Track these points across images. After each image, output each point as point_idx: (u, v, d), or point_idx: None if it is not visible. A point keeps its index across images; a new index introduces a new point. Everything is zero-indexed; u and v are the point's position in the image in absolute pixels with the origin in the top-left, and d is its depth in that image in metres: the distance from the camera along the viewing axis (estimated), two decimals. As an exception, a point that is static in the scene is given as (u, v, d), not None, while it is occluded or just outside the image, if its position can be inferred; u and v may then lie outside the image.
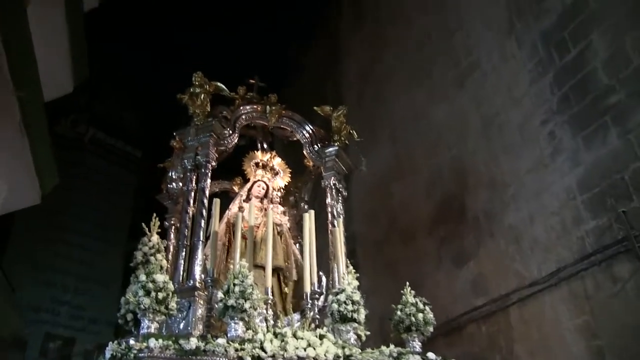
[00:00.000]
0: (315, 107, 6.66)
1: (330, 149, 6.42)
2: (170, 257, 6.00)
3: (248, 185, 6.82)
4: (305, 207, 7.04)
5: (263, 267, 5.86)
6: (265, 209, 6.50)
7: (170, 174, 6.49)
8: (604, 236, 5.94)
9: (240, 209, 6.22)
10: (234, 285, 4.73)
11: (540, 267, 6.67)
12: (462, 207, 8.19)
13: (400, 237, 9.47)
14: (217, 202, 5.76)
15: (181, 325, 4.92)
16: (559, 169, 6.65)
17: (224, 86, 6.36)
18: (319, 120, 6.78)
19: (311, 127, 6.65)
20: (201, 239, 5.45)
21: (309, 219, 5.92)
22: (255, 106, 6.54)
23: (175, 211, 6.47)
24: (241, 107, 6.46)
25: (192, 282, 5.20)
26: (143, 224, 5.58)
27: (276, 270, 6.19)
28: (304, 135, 6.64)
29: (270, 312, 5.35)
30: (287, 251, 6.42)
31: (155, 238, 5.52)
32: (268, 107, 6.55)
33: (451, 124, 8.82)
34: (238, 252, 5.43)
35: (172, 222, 6.48)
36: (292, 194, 7.22)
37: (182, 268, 5.41)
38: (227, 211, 6.46)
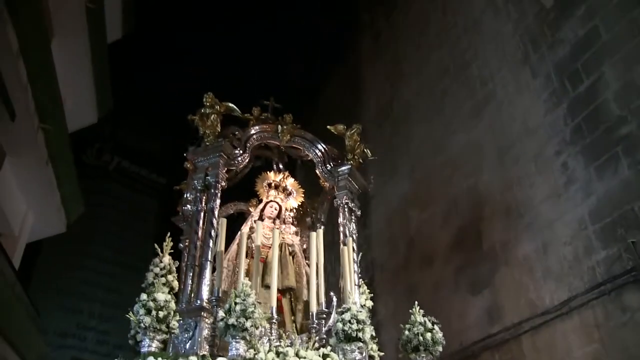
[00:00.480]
0: (328, 126, 6.68)
1: (343, 168, 6.34)
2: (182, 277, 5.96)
3: (261, 206, 6.82)
4: (322, 228, 6.88)
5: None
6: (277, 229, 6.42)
7: (185, 196, 6.52)
8: (614, 266, 5.98)
9: (251, 229, 6.21)
10: (235, 304, 4.71)
11: (553, 296, 6.71)
12: (479, 236, 8.25)
13: (419, 264, 9.54)
14: (223, 222, 5.76)
15: (187, 345, 4.90)
16: (572, 199, 6.72)
17: (235, 106, 6.38)
18: (336, 143, 6.75)
19: (323, 146, 6.61)
20: (209, 259, 5.41)
21: (316, 238, 5.91)
22: (266, 125, 6.54)
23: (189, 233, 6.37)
24: (252, 127, 6.47)
25: (199, 302, 5.17)
26: (156, 245, 5.62)
27: (287, 291, 6.23)
28: (316, 154, 6.60)
29: (274, 331, 5.30)
30: (299, 271, 6.41)
31: (166, 259, 5.54)
32: (280, 126, 6.55)
33: (467, 154, 8.92)
34: (242, 272, 5.44)
35: (187, 243, 6.40)
36: (309, 214, 7.15)
37: (189, 288, 5.39)
38: (239, 232, 6.35)
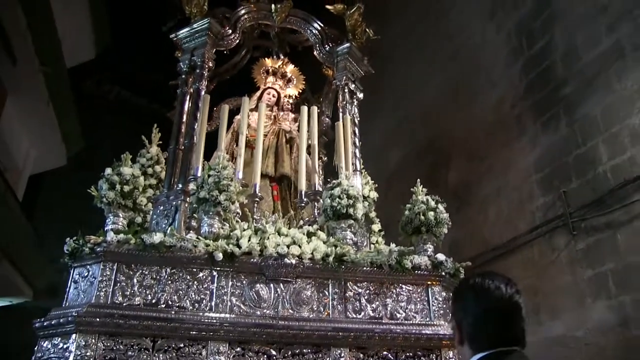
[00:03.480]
0: (327, 6, 6.21)
1: (342, 47, 5.95)
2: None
3: (258, 93, 6.48)
4: (327, 120, 6.65)
5: (269, 177, 5.74)
6: (275, 117, 6.29)
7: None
8: (549, 211, 6.84)
9: (248, 114, 5.65)
10: (209, 176, 4.35)
11: (502, 235, 7.57)
12: (446, 176, 9.04)
13: (394, 201, 10.26)
14: (206, 98, 5.36)
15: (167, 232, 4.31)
16: (522, 150, 7.48)
17: None
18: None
19: (320, 24, 6.16)
20: (194, 141, 5.03)
21: (308, 114, 5.60)
22: (259, 4, 6.12)
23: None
24: (244, 7, 6.02)
25: (180, 185, 4.73)
26: (143, 136, 5.39)
27: (283, 179, 5.96)
28: (313, 33, 6.17)
29: (257, 212, 4.94)
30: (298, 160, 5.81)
31: (154, 149, 5.30)
32: (274, 5, 6.08)
33: (443, 97, 9.62)
34: (242, 159, 5.08)
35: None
36: (313, 104, 6.44)
37: (175, 173, 4.95)
38: (234, 119, 6.14)
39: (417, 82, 10.47)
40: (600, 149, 6.20)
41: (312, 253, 4.28)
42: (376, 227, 5.71)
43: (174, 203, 4.61)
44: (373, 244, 5.24)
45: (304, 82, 6.75)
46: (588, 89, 6.48)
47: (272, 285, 4.21)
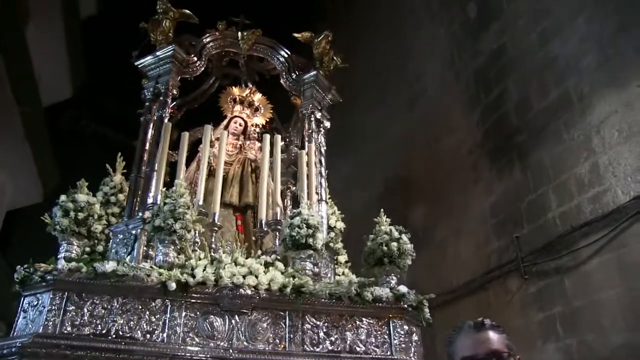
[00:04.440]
0: (295, 34, 6.13)
1: (309, 75, 5.84)
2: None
3: (225, 122, 6.35)
4: (295, 150, 6.40)
5: (233, 206, 5.62)
6: (241, 146, 6.18)
7: None
8: (503, 256, 7.07)
9: (212, 143, 5.58)
10: (165, 204, 4.27)
11: (459, 277, 7.78)
12: (406, 219, 9.26)
13: (354, 242, 10.54)
14: (167, 126, 5.21)
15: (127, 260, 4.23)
16: (478, 195, 7.74)
17: (191, 13, 5.77)
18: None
19: (287, 52, 6.09)
20: (155, 169, 4.93)
21: (271, 142, 5.49)
22: (225, 32, 6.05)
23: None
24: (209, 33, 5.94)
25: (140, 213, 4.63)
26: (107, 165, 5.39)
27: (247, 209, 5.82)
28: (280, 60, 6.09)
29: (214, 242, 4.78)
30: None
31: (118, 177, 5.29)
32: (240, 33, 6.00)
33: (402, 143, 9.88)
34: (202, 188, 5.00)
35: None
36: (283, 138, 6.36)
37: (136, 201, 4.87)
38: (199, 148, 5.87)
39: (378, 126, 10.72)
40: (550, 196, 6.46)
41: (269, 284, 4.16)
42: (342, 258, 5.72)
43: (133, 232, 4.52)
44: (339, 275, 5.17)
45: (271, 111, 6.66)
46: (539, 138, 6.76)
47: (226, 316, 4.08)
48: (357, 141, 11.38)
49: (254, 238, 5.57)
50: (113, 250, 4.55)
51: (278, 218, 5.10)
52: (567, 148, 6.31)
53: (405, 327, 4.37)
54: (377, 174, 10.45)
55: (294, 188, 6.35)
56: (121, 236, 4.58)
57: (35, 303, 3.93)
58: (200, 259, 4.26)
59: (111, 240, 4.68)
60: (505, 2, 7.79)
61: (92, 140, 17.86)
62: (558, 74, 6.58)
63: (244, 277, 4.12)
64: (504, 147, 7.38)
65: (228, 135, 5.95)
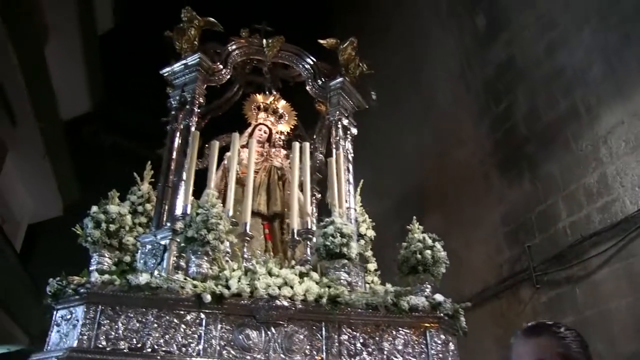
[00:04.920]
0: (320, 40, 6.05)
1: (335, 82, 5.77)
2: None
3: (249, 129, 6.30)
4: (321, 157, 6.36)
5: (261, 215, 5.54)
6: (266, 154, 6.12)
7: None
8: (516, 265, 7.19)
9: (238, 151, 5.53)
10: (197, 214, 4.18)
11: (472, 287, 7.87)
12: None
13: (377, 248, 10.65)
14: (196, 134, 5.17)
15: (155, 272, 4.16)
16: (489, 205, 7.87)
17: (216, 21, 5.72)
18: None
19: (312, 59, 6.02)
20: (183, 178, 4.84)
21: (300, 150, 5.37)
22: (250, 40, 6.00)
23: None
24: (234, 41, 5.90)
25: (169, 223, 4.54)
26: (135, 173, 5.31)
27: (275, 217, 5.74)
28: (305, 68, 6.03)
29: (246, 251, 4.73)
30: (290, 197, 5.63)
31: (145, 187, 5.17)
32: (265, 40, 5.96)
33: (416, 154, 10.02)
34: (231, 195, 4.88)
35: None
36: (306, 140, 6.09)
37: (161, 211, 4.79)
38: (224, 156, 5.87)
39: (392, 137, 10.81)
40: (560, 206, 6.59)
41: (304, 294, 4.08)
42: (372, 266, 5.58)
43: (162, 242, 4.42)
44: (368, 284, 5.03)
45: (295, 119, 6.59)
46: (548, 148, 6.89)
47: (262, 328, 4.01)
48: (369, 151, 11.46)
49: (283, 247, 5.50)
50: (141, 261, 4.44)
51: (309, 227, 4.96)
52: (576, 158, 6.44)
53: (442, 337, 4.30)
54: (391, 184, 10.53)
55: (319, 195, 6.34)
56: (149, 247, 4.48)
57: (68, 317, 3.88)
58: (234, 270, 4.20)
59: (139, 251, 4.56)
60: (513, 13, 7.91)
61: (111, 152, 18.15)
62: (565, 85, 6.71)
63: (279, 287, 4.05)
64: (514, 157, 7.51)
65: (254, 143, 5.82)
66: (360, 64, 6.06)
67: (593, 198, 6.11)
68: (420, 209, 9.41)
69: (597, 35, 6.30)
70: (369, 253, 5.63)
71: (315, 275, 4.32)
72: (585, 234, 6.10)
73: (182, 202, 4.70)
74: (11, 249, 9.73)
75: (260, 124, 6.32)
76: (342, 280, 4.34)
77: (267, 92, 6.56)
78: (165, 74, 5.53)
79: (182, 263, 4.31)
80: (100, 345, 3.69)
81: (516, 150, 7.48)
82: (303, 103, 6.62)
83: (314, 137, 6.57)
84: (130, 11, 14.35)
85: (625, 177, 5.74)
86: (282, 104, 6.54)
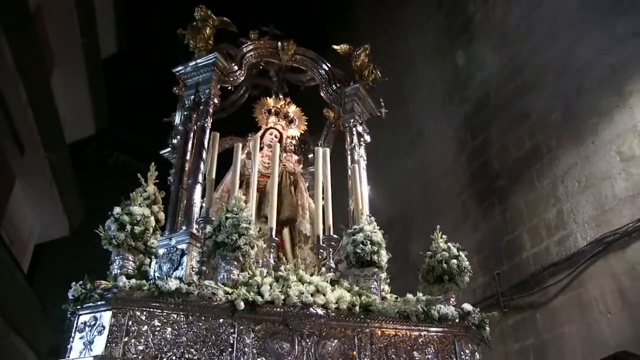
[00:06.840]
0: (334, 46, 6.10)
1: (350, 88, 5.73)
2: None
3: (260, 133, 6.13)
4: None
5: None
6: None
7: (175, 125, 5.88)
8: (487, 290, 7.79)
9: (248, 154, 5.53)
10: (226, 218, 4.04)
11: (449, 310, 8.42)
12: (407, 253, 9.96)
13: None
14: (215, 135, 5.03)
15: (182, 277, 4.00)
16: (466, 233, 8.44)
17: (230, 21, 5.59)
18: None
19: (328, 65, 5.95)
20: (199, 180, 4.66)
21: (322, 155, 5.28)
22: (265, 42, 5.91)
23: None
24: (249, 43, 5.78)
25: (185, 227, 4.34)
26: (139, 175, 4.85)
27: (286, 223, 5.62)
28: (320, 73, 5.95)
29: (272, 257, 4.57)
30: (301, 203, 5.73)
31: (151, 188, 4.71)
32: (280, 43, 5.89)
33: (403, 181, 10.58)
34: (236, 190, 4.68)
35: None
36: (313, 150, 6.06)
37: (176, 214, 4.58)
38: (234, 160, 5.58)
39: (379, 161, 11.29)
40: (524, 238, 7.23)
41: (337, 302, 3.98)
42: (383, 275, 5.48)
43: (179, 246, 4.20)
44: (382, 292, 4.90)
45: (306, 123, 6.49)
46: (516, 184, 7.53)
47: (295, 337, 3.87)
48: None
49: (294, 253, 5.46)
50: (156, 266, 4.21)
51: (331, 233, 4.81)
52: (539, 194, 7.08)
53: (470, 346, 4.27)
54: (381, 209, 11.06)
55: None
56: (164, 251, 4.25)
57: (92, 323, 3.63)
58: (265, 276, 4.07)
59: (153, 255, 4.36)
60: (489, 53, 8.52)
61: (115, 168, 18.57)
62: (531, 127, 7.35)
63: (312, 295, 3.93)
64: (487, 189, 8.13)
65: (263, 147, 5.89)
66: (374, 71, 6.00)
67: (552, 232, 6.75)
68: (406, 232, 10.03)
69: (559, 81, 6.96)
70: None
71: (345, 283, 4.27)
72: (545, 264, 6.74)
73: (206, 204, 4.59)
74: (20, 271, 10.15)
75: (271, 127, 6.21)
76: (373, 289, 4.29)
77: (275, 96, 6.48)
78: (177, 72, 5.42)
79: (204, 268, 4.17)
80: (129, 353, 3.51)
81: (489, 183, 8.09)
82: (304, 108, 6.65)
83: (318, 142, 6.53)
84: (131, 37, 14.95)
85: (577, 214, 6.38)
86: (293, 109, 6.44)
